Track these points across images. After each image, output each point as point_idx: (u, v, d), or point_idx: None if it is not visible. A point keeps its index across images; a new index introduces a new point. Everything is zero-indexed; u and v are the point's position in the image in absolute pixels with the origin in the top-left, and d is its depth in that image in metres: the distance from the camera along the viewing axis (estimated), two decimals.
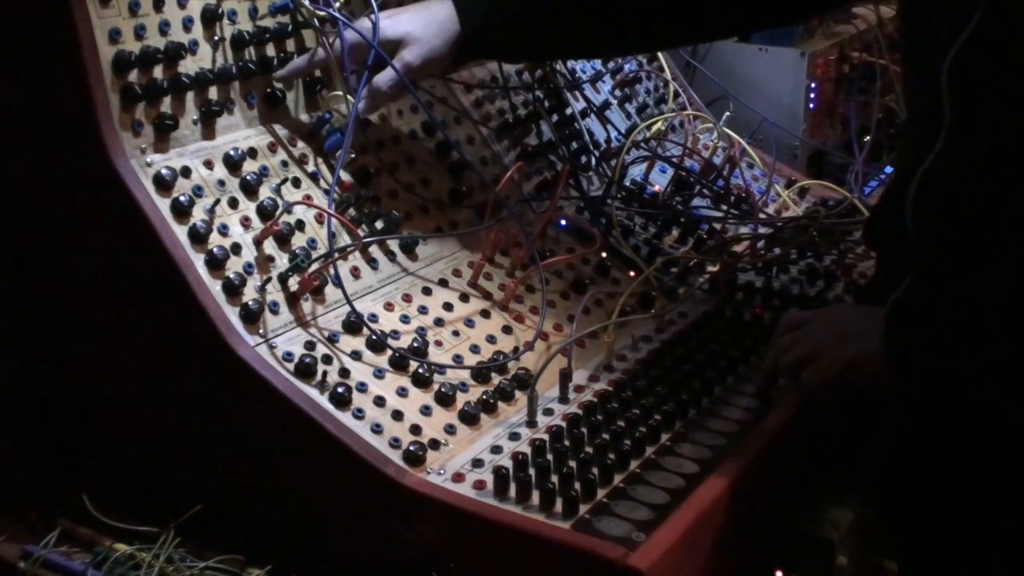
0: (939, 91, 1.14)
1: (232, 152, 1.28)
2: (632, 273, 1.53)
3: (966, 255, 1.15)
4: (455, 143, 1.54)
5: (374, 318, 1.26)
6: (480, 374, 1.25)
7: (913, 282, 1.20)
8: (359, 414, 1.13)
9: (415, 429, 1.14)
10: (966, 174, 1.14)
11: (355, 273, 1.31)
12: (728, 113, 1.90)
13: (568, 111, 1.78)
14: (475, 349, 1.29)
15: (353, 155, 1.41)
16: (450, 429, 1.16)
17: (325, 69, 1.42)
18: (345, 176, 1.38)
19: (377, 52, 1.36)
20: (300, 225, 1.28)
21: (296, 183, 1.33)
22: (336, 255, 1.26)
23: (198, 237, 1.18)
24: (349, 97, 1.36)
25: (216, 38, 1.31)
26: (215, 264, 1.18)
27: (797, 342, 1.24)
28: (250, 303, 1.17)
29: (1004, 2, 1.09)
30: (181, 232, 1.18)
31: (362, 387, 1.16)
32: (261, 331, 1.17)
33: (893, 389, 1.17)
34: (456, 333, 1.31)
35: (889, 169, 2.16)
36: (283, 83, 1.37)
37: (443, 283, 1.38)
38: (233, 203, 1.25)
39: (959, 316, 1.11)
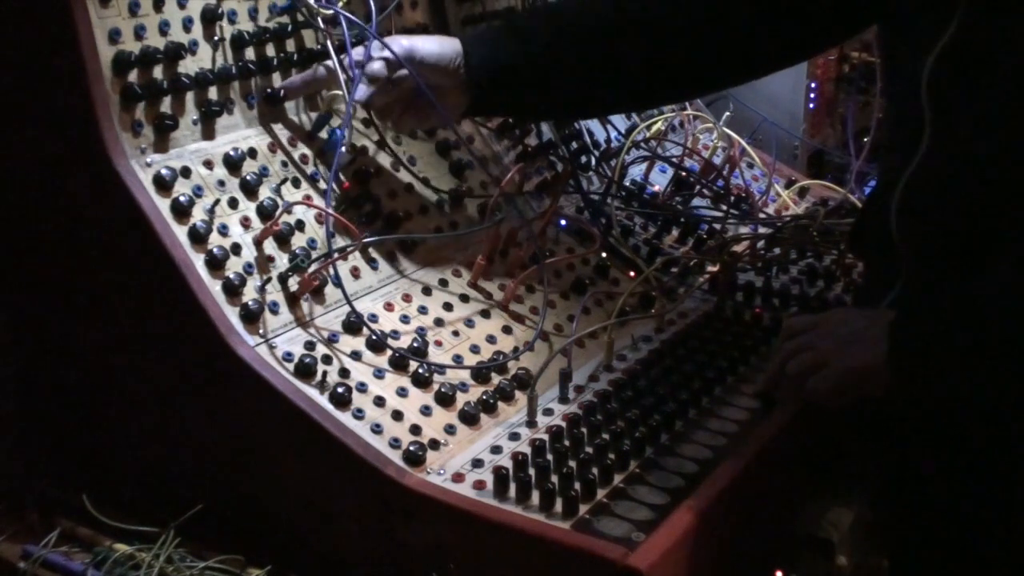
0: (919, 97, 1.14)
1: (232, 152, 1.28)
2: (632, 273, 1.53)
3: (954, 261, 1.15)
4: (455, 143, 1.54)
5: (374, 318, 1.26)
6: (480, 374, 1.25)
7: (903, 290, 1.20)
8: (359, 414, 1.13)
9: (415, 429, 1.14)
10: (950, 180, 1.14)
11: (355, 273, 1.31)
12: (728, 113, 1.90)
13: None
14: (475, 349, 1.29)
15: (352, 156, 1.41)
16: (450, 429, 1.16)
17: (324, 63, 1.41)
18: (345, 176, 1.38)
19: (381, 44, 1.36)
20: (300, 225, 1.28)
21: (296, 183, 1.33)
22: (336, 255, 1.26)
23: (198, 237, 1.18)
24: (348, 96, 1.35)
25: (216, 38, 1.31)
26: (215, 264, 1.18)
27: (802, 348, 1.23)
28: (250, 303, 1.17)
29: (983, 7, 1.09)
30: (181, 232, 1.18)
31: (362, 387, 1.16)
32: (261, 331, 1.17)
33: (899, 396, 1.16)
34: (456, 333, 1.31)
35: None
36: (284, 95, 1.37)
37: (443, 283, 1.38)
38: (233, 203, 1.25)
39: (962, 325, 1.11)
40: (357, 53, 1.34)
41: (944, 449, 1.20)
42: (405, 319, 1.29)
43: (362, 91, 1.33)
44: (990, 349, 1.09)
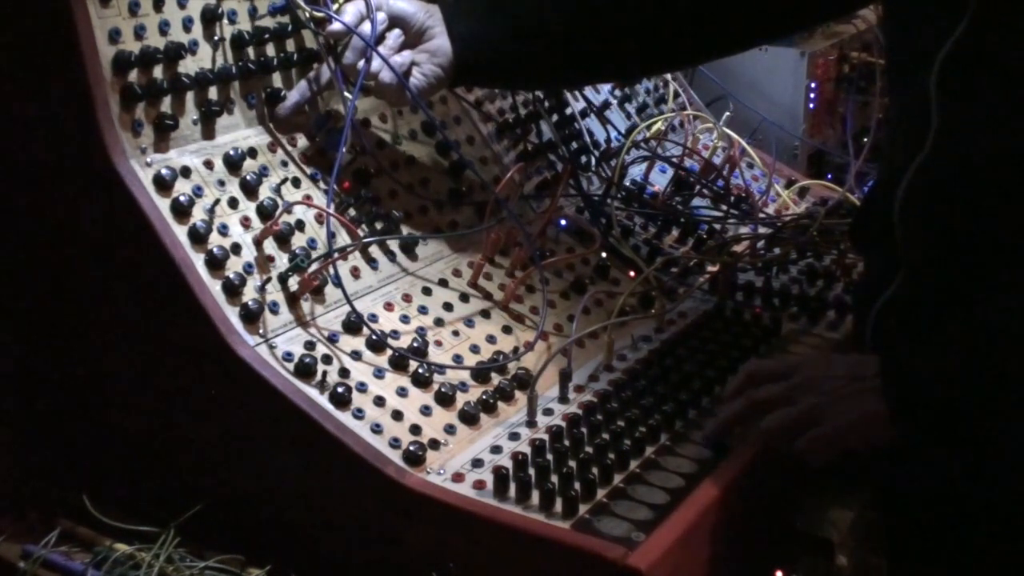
0: (927, 93, 1.13)
1: (232, 152, 1.28)
2: (632, 273, 1.53)
3: (957, 259, 1.14)
4: (455, 143, 1.54)
5: (374, 318, 1.26)
6: (480, 374, 1.25)
7: (902, 284, 1.19)
8: (359, 414, 1.13)
9: (415, 429, 1.14)
10: (955, 178, 1.13)
11: (355, 273, 1.31)
12: (728, 113, 1.90)
13: (568, 111, 1.78)
14: (475, 349, 1.29)
15: (352, 156, 1.41)
16: (450, 429, 1.16)
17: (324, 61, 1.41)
18: (345, 176, 1.38)
19: (382, 59, 1.36)
20: (300, 225, 1.28)
21: (296, 183, 1.33)
22: (336, 255, 1.26)
23: (198, 237, 1.18)
24: (347, 95, 1.35)
25: (216, 38, 1.31)
26: (215, 264, 1.18)
27: (776, 401, 1.14)
28: (250, 303, 1.17)
29: (995, 3, 1.09)
30: (181, 232, 1.18)
31: (362, 387, 1.16)
32: (261, 331, 1.17)
33: (906, 442, 1.11)
34: (456, 333, 1.31)
35: None
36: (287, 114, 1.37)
37: (443, 283, 1.38)
38: (233, 203, 1.25)
39: (974, 362, 1.08)
40: (350, 13, 1.36)
41: (944, 452, 1.19)
42: (405, 319, 1.29)
43: (349, 57, 1.36)
44: (1008, 379, 1.06)
